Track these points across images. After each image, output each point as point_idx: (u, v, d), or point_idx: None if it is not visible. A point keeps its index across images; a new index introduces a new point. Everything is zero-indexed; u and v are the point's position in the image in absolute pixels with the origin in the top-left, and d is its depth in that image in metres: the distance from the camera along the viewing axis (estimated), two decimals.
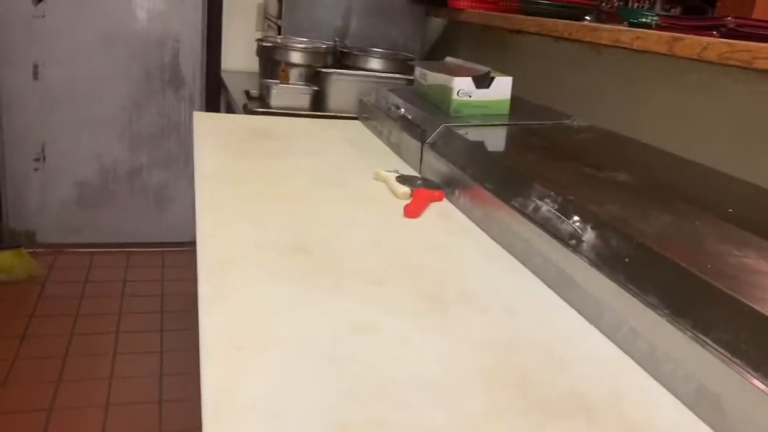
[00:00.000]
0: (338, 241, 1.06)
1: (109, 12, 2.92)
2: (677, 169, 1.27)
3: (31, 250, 3.08)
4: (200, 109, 3.14)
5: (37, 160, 3.07)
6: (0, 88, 2.89)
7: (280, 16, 2.41)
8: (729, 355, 0.65)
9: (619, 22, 1.88)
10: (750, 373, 0.62)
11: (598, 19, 2.01)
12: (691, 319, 0.70)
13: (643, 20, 1.70)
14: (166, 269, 3.11)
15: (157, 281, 2.98)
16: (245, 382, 0.66)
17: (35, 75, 2.92)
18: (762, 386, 0.61)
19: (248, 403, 0.63)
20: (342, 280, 0.91)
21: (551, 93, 1.84)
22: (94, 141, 3.09)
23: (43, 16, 2.83)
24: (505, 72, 1.66)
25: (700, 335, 0.68)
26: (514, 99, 1.64)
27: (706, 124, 1.39)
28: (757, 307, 0.66)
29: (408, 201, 1.26)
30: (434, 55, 2.57)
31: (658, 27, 1.60)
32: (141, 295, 2.84)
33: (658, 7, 1.86)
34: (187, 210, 3.31)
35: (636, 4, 2.75)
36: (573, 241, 0.91)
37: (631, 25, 1.72)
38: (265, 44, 2.13)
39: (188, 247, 3.32)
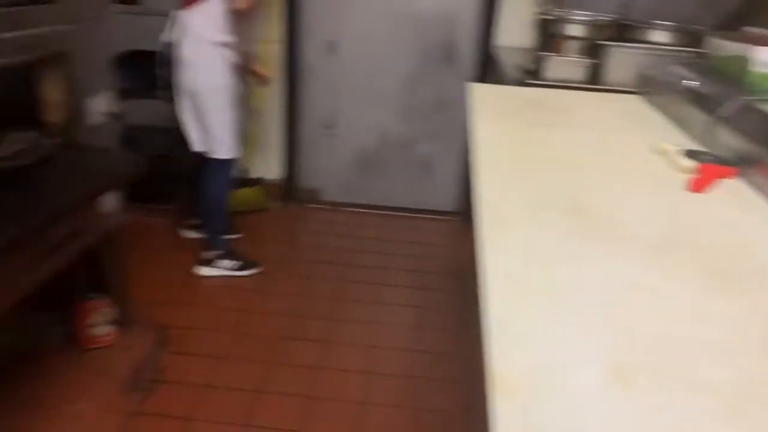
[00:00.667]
0: (616, 207, 1.05)
1: None
2: None
3: (314, 205, 3.53)
4: None
5: (327, 127, 3.46)
6: (302, 61, 3.31)
7: None
8: None
9: None
10: None
11: None
12: None
13: None
14: (428, 234, 3.31)
15: (419, 244, 3.19)
16: (525, 314, 0.71)
17: (331, 50, 3.29)
18: None
19: (526, 331, 0.68)
20: (621, 243, 0.91)
21: None
22: (375, 112, 3.40)
23: None
24: None
25: None
26: None
27: None
28: None
29: (692, 175, 1.19)
30: (729, 28, 2.33)
31: None
32: (404, 254, 3.07)
33: None
34: (452, 181, 3.48)
35: None
36: None
37: None
38: (544, 17, 2.13)
39: (449, 216, 3.49)
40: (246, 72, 2.80)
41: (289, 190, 3.55)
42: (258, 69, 2.86)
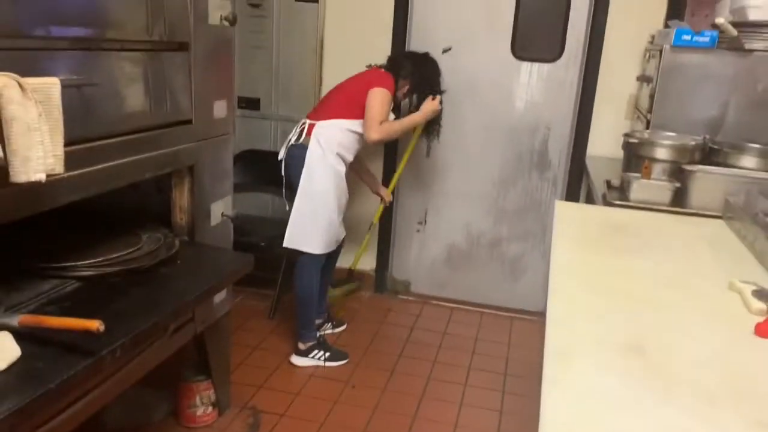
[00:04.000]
0: (676, 349, 1.12)
1: (493, 104, 3.36)
2: None
3: (406, 297, 3.68)
4: (562, 191, 3.35)
5: (420, 223, 3.64)
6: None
7: (650, 110, 2.49)
8: None
9: None
10: None
11: None
12: None
13: None
14: (513, 334, 3.35)
15: (504, 344, 3.23)
16: None
17: (427, 153, 3.50)
18: None
19: None
20: (673, 390, 0.98)
21: None
22: (465, 211, 3.55)
23: (446, 91, 3.32)
24: None
25: None
26: None
27: None
28: None
29: (762, 318, 1.23)
30: None
31: None
32: (489, 354, 3.12)
33: None
34: (538, 282, 3.53)
35: None
36: None
37: None
38: (630, 140, 2.23)
39: (536, 317, 3.52)
40: (373, 192, 3.25)
41: (382, 280, 3.72)
42: (382, 192, 3.24)
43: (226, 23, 2.09)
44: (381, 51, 3.34)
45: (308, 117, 2.79)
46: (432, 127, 3.04)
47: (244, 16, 3.40)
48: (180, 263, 1.91)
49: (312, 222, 2.72)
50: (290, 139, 2.78)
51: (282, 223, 2.82)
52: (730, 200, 1.91)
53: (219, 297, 2.21)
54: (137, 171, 1.78)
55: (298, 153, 2.70)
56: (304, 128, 2.74)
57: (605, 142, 3.20)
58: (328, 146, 2.68)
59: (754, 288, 1.34)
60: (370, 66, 2.94)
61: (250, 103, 3.60)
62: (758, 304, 1.28)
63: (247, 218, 3.50)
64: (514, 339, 3.30)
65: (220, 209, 2.24)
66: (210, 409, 2.39)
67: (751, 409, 0.94)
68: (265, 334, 3.13)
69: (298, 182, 2.70)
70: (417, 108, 2.89)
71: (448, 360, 3.04)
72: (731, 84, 2.38)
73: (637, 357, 1.08)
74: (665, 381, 1.00)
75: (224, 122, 2.19)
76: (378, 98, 2.68)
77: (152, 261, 1.83)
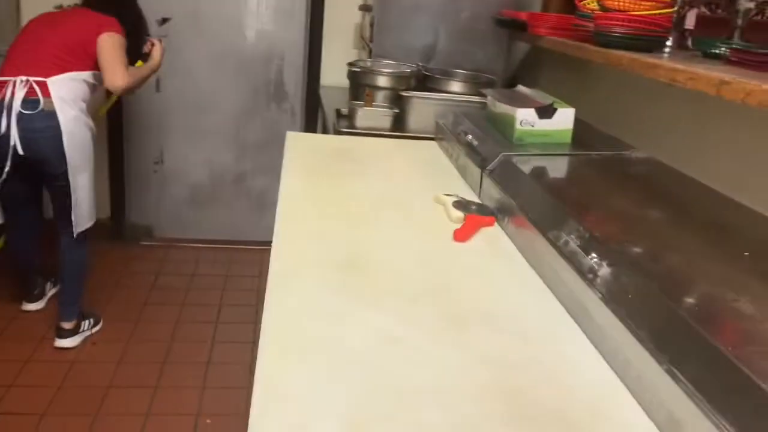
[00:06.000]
0: (387, 260, 1.21)
1: (222, 32, 3.23)
2: (722, 209, 1.32)
3: (148, 243, 3.48)
4: (301, 122, 3.39)
5: (156, 163, 3.44)
6: (128, 99, 3.27)
7: (371, 40, 2.59)
8: (694, 390, 0.74)
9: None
10: (708, 409, 0.71)
11: (680, 46, 2.02)
12: (668, 353, 0.80)
13: (715, 51, 1.71)
14: (264, 266, 3.37)
15: (255, 277, 3.26)
16: (287, 378, 0.83)
17: (157, 88, 3.28)
18: (718, 422, 0.70)
19: (287, 393, 0.79)
20: (382, 297, 1.06)
21: (621, 123, 1.89)
22: (205, 148, 3.43)
23: (166, 36, 3.17)
24: (579, 99, 1.75)
25: (674, 369, 0.78)
26: (582, 127, 1.73)
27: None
28: (724, 351, 0.75)
29: (459, 225, 1.39)
30: (518, 77, 2.66)
31: (729, 61, 1.62)
32: (240, 289, 3.12)
33: (736, 38, 1.85)
34: None
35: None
36: (590, 275, 1.02)
37: (705, 56, 1.74)
38: (353, 69, 2.31)
39: None
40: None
41: (119, 228, 3.47)
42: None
43: None
44: None
45: (21, 73, 2.25)
46: None
47: None
48: None
49: (91, 192, 2.45)
50: (13, 106, 2.21)
51: None
52: (439, 122, 2.10)
53: None
54: None
55: (47, 123, 2.24)
56: (32, 89, 2.23)
57: (337, 72, 3.26)
58: (76, 104, 2.32)
59: (455, 199, 1.50)
60: (60, 7, 2.51)
61: None
62: (457, 213, 1.44)
63: None
64: (265, 270, 3.33)
65: None
66: None
67: (446, 303, 1.06)
68: None
69: (62, 157, 2.27)
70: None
71: (197, 301, 2.98)
72: (439, 13, 2.57)
73: (352, 272, 1.15)
74: (375, 290, 1.09)
75: None
76: (117, 43, 2.37)
77: None
